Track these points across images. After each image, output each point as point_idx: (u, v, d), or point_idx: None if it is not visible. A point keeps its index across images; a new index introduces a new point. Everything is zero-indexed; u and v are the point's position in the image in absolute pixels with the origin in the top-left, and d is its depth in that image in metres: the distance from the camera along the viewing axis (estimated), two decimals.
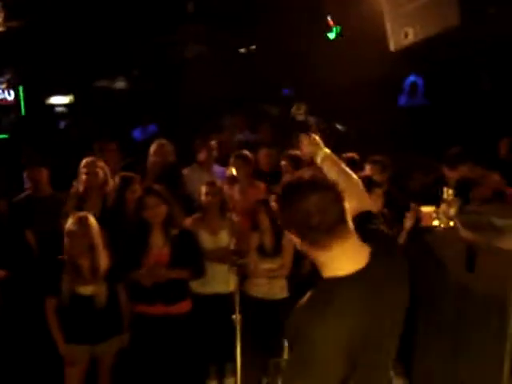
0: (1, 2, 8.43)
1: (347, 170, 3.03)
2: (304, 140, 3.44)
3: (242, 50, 13.12)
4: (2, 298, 5.53)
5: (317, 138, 3.41)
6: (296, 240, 2.35)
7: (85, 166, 6.26)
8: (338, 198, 2.29)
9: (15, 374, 5.52)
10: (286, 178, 2.42)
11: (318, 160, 3.23)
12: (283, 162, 6.88)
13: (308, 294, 2.32)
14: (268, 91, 12.42)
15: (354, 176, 2.99)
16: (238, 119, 10.01)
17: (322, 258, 2.33)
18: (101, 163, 6.37)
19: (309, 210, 2.24)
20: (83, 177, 6.22)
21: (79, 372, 5.13)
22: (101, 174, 6.29)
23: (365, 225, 2.51)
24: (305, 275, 6.22)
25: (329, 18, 10.82)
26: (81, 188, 6.25)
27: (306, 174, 2.38)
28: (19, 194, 6.71)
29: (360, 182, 2.95)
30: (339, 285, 2.27)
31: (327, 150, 3.27)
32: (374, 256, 2.37)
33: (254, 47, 13.09)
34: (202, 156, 7.33)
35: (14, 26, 9.26)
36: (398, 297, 2.44)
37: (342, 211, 2.29)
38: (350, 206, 2.35)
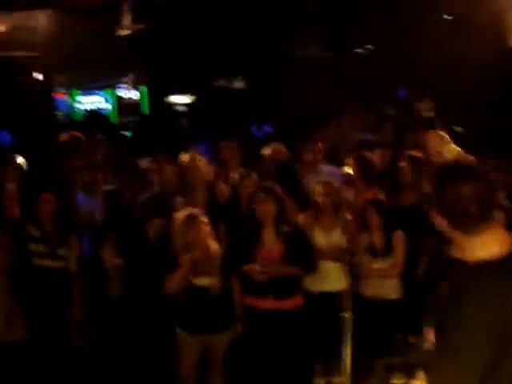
0: (128, 5, 8.84)
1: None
2: (431, 136, 3.38)
3: (359, 51, 13.09)
4: (123, 286, 5.78)
5: (444, 134, 3.37)
6: (443, 221, 2.39)
7: (186, 162, 6.48)
8: (492, 187, 2.35)
9: (131, 359, 5.77)
10: (447, 162, 2.47)
11: (448, 156, 3.20)
12: (403, 163, 6.80)
13: (449, 280, 2.36)
14: (384, 91, 12.32)
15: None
16: (358, 119, 9.97)
17: (467, 243, 2.36)
18: (199, 157, 6.56)
19: (467, 197, 2.29)
20: (185, 172, 6.45)
21: (192, 360, 5.33)
22: (202, 166, 6.48)
23: None
24: (419, 275, 6.20)
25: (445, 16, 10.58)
26: (184, 182, 6.49)
27: (463, 160, 2.42)
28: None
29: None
30: (481, 269, 2.30)
31: (456, 147, 3.24)
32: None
33: (370, 47, 13.03)
34: (307, 156, 7.37)
35: (140, 28, 9.66)
36: None
37: (495, 200, 2.37)
38: None
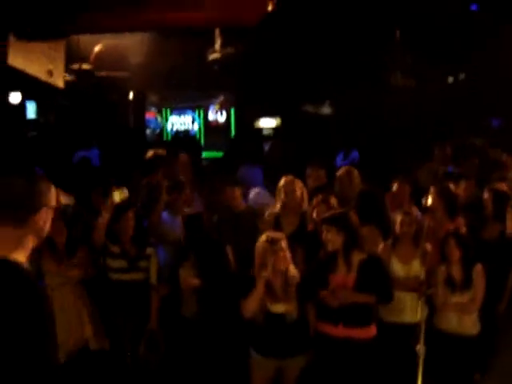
0: (219, 29, 9.03)
1: None
2: None
3: (450, 80, 12.90)
4: (199, 306, 5.88)
5: None
6: None
7: (283, 185, 6.53)
8: None
9: (200, 378, 5.85)
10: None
11: None
12: (486, 195, 6.67)
13: None
14: (476, 122, 12.08)
15: None
16: (445, 151, 9.81)
17: None
18: (299, 182, 6.60)
19: None
20: (281, 195, 6.50)
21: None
22: (298, 193, 6.51)
23: None
24: (501, 311, 6.02)
25: None
26: (278, 206, 6.53)
27: None
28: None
29: None
30: None
31: None
32: None
33: (462, 76, 12.83)
34: (395, 191, 7.26)
35: (229, 52, 9.85)
36: None
37: None
38: None
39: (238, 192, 7.00)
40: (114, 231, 6.08)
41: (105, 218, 6.02)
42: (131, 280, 6.03)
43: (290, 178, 6.64)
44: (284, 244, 5.25)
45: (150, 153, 7.65)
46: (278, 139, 13.47)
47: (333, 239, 5.34)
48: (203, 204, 7.27)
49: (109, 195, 6.09)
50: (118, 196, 6.18)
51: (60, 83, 6.47)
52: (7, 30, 5.90)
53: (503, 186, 6.96)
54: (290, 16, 9.12)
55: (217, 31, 9.14)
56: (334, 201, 6.45)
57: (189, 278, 5.86)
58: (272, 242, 5.22)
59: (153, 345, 6.04)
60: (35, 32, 5.90)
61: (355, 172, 7.22)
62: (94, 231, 6.08)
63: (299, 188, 6.57)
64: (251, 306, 5.22)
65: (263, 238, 5.30)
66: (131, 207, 6.23)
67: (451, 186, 6.97)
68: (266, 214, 6.71)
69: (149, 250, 6.15)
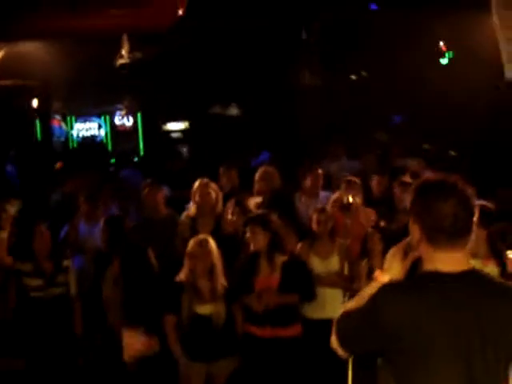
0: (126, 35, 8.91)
1: None
2: None
3: (353, 77, 13.21)
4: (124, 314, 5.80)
5: None
6: (415, 232, 2.41)
7: (198, 188, 6.54)
8: (471, 208, 2.36)
9: None
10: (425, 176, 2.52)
11: None
12: (396, 189, 6.89)
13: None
14: (378, 118, 12.43)
15: None
16: (336, 147, 10.09)
17: (429, 256, 2.39)
18: (213, 185, 6.63)
19: (446, 212, 2.31)
20: (196, 198, 6.51)
21: None
22: (213, 195, 6.54)
23: None
24: None
25: (441, 44, 10.84)
26: (193, 209, 6.54)
27: (448, 177, 2.47)
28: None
29: None
30: (433, 278, 2.36)
31: None
32: (476, 274, 2.41)
33: (365, 74, 13.17)
34: (307, 183, 7.43)
35: (137, 57, 9.75)
36: (494, 327, 2.34)
37: (471, 221, 2.36)
38: None
39: (160, 196, 6.96)
40: (24, 247, 5.89)
41: (5, 232, 5.75)
42: (50, 296, 5.88)
43: (204, 180, 6.66)
44: (213, 243, 5.25)
45: (57, 165, 7.54)
46: (178, 147, 13.47)
47: (258, 239, 5.39)
48: (121, 210, 7.18)
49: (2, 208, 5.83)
50: (12, 209, 5.98)
51: None
52: None
53: (407, 178, 7.20)
54: (197, 20, 9.11)
55: (124, 36, 9.00)
56: (252, 202, 6.51)
57: (109, 291, 5.76)
58: (201, 244, 5.21)
59: (88, 349, 5.97)
60: None
61: (275, 172, 7.31)
62: None
63: (213, 190, 6.59)
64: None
65: (192, 242, 5.28)
66: (41, 222, 6.07)
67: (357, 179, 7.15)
68: (183, 216, 6.72)
69: (65, 263, 6.02)
